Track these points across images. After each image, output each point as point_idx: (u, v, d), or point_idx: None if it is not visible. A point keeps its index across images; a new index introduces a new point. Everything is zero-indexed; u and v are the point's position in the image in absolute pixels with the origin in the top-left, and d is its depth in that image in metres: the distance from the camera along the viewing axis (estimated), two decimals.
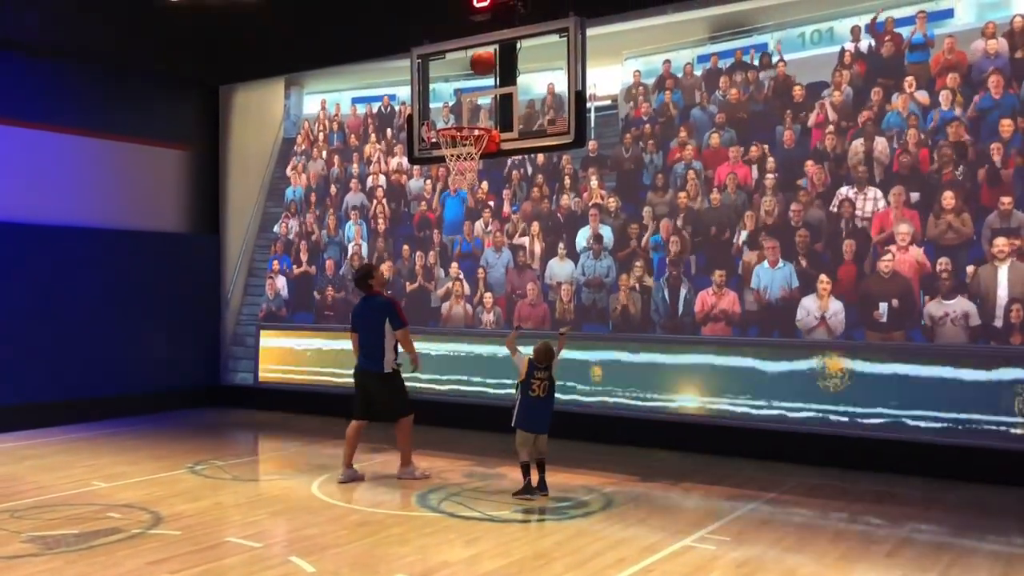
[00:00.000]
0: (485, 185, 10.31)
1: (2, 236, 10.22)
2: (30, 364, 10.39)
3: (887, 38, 8.18)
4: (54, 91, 10.97)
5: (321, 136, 11.82)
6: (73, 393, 10.80)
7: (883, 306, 8.07)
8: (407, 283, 10.93)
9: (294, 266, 11.93)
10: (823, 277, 8.32)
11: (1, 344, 10.14)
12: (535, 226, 9.98)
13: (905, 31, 8.11)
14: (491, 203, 10.30)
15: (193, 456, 8.69)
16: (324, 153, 11.78)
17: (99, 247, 11.18)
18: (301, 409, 11.47)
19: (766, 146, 8.71)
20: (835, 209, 8.34)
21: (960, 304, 7.75)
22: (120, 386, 11.31)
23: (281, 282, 12.06)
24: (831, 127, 8.41)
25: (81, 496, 7.05)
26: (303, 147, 11.98)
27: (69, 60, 11.09)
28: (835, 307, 8.27)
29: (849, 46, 8.37)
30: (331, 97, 11.79)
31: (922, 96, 8.00)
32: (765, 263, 8.62)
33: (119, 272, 11.37)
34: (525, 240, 10.04)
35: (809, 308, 8.41)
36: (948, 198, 7.80)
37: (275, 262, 12.12)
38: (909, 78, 8.06)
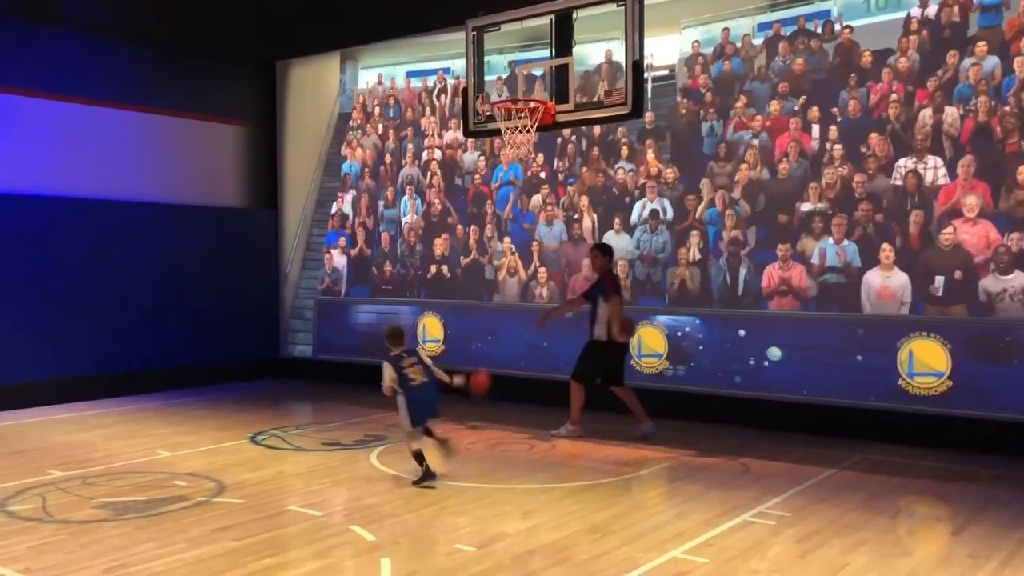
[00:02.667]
0: (540, 157, 10.25)
1: (68, 211, 10.49)
2: (97, 337, 10.69)
3: (956, 1, 7.89)
4: (117, 70, 11.18)
5: (376, 111, 11.86)
6: (138, 365, 11.09)
7: (939, 280, 7.85)
8: (462, 257, 10.96)
9: (350, 241, 12.04)
10: (885, 246, 8.13)
11: (68, 317, 10.45)
12: (584, 200, 9.90)
13: None
14: (544, 174, 10.25)
15: (255, 426, 8.87)
16: (380, 127, 11.82)
17: (161, 222, 11.41)
18: (359, 381, 11.60)
19: (828, 116, 8.50)
20: (899, 180, 8.12)
21: (1019, 279, 7.51)
22: (183, 358, 11.58)
23: (338, 257, 12.18)
24: (896, 95, 8.16)
25: (148, 464, 7.25)
26: (359, 122, 12.04)
27: (131, 40, 11.28)
28: (901, 280, 8.07)
29: (916, 12, 8.10)
30: (386, 71, 11.81)
31: (993, 62, 7.72)
32: (830, 239, 8.44)
33: (181, 246, 11.60)
34: (579, 214, 9.97)
35: (872, 282, 8.23)
36: (1022, 172, 7.53)
37: (339, 238, 12.23)
38: (980, 43, 7.77)
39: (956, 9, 7.89)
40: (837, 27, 8.50)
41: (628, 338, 8.29)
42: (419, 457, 6.50)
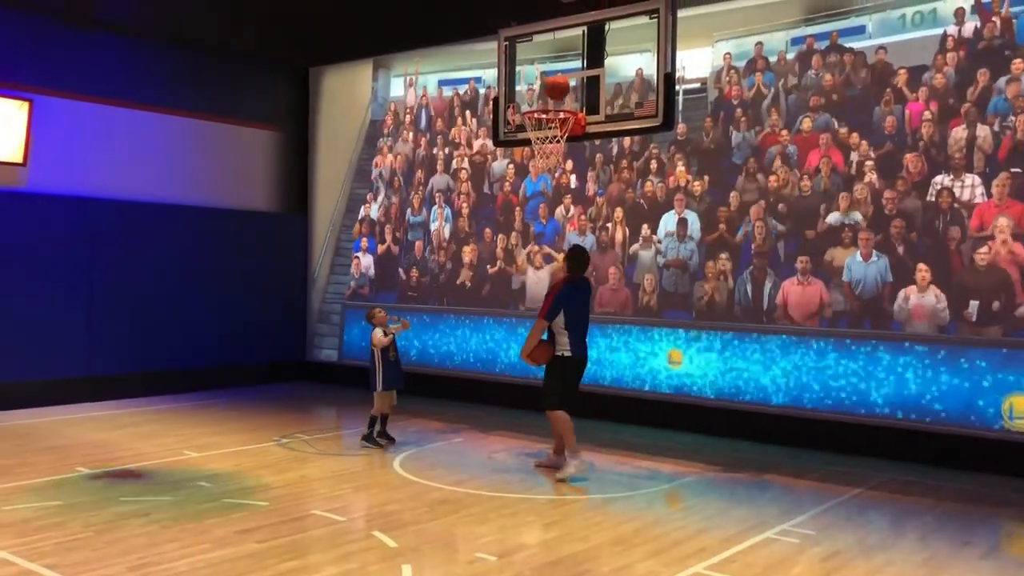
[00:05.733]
0: (570, 164, 10.25)
1: (102, 213, 10.64)
2: (127, 336, 10.82)
3: (994, 17, 7.80)
4: (153, 74, 11.33)
5: (407, 118, 11.93)
6: (166, 365, 11.21)
7: (973, 304, 7.73)
8: (488, 266, 10.98)
9: (378, 248, 12.10)
10: (921, 266, 8.03)
11: (101, 317, 10.59)
12: (618, 212, 9.88)
13: (1017, 8, 7.71)
14: (572, 182, 10.25)
15: (280, 429, 8.93)
16: (410, 135, 11.88)
17: (193, 224, 11.54)
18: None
19: (861, 131, 8.44)
20: (932, 198, 8.03)
21: None
22: (211, 359, 11.69)
23: (366, 262, 12.25)
24: (930, 113, 8.09)
25: (174, 464, 7.32)
26: (390, 129, 12.11)
27: (168, 44, 11.43)
28: (935, 298, 7.97)
29: (952, 29, 8.02)
30: (418, 80, 11.88)
31: None
32: (858, 255, 8.37)
33: (212, 249, 11.72)
34: (608, 225, 9.96)
35: (908, 299, 8.11)
36: None
37: (362, 241, 12.30)
38: (1018, 60, 7.68)
39: (996, 26, 7.80)
40: (871, 42, 8.44)
41: (530, 363, 7.41)
42: (375, 421, 8.23)
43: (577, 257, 7.42)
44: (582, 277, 7.45)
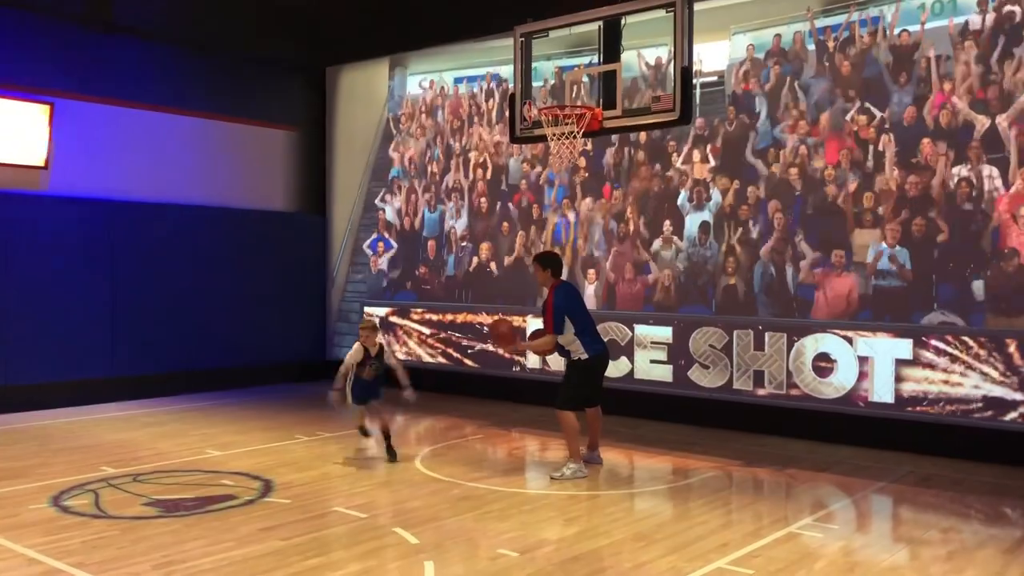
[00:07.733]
0: (583, 161, 10.22)
1: (122, 213, 10.72)
2: (148, 337, 10.90)
3: (1015, 5, 7.72)
4: (171, 75, 11.41)
5: (424, 116, 11.94)
6: (187, 364, 11.29)
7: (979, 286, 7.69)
8: (506, 260, 10.97)
9: (396, 245, 12.13)
10: (945, 257, 7.95)
11: (121, 317, 10.68)
12: (632, 206, 9.86)
13: None
14: (588, 175, 10.23)
15: (301, 428, 8.97)
16: (427, 133, 11.90)
17: (212, 225, 11.61)
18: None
19: (881, 121, 8.37)
20: (953, 188, 7.96)
21: None
22: (231, 359, 11.76)
23: (383, 261, 12.28)
24: (951, 103, 8.01)
25: (196, 463, 7.37)
26: (406, 127, 12.13)
27: (185, 46, 11.50)
28: (958, 290, 7.91)
29: (974, 18, 7.93)
30: (434, 77, 11.89)
31: None
32: (883, 244, 8.30)
33: (231, 249, 11.79)
34: (625, 218, 9.93)
35: (929, 290, 8.06)
36: None
37: (379, 243, 12.35)
38: None
39: (1017, 14, 7.72)
40: (892, 32, 8.37)
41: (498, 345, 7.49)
42: (362, 430, 8.07)
43: (556, 260, 7.44)
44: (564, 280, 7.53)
